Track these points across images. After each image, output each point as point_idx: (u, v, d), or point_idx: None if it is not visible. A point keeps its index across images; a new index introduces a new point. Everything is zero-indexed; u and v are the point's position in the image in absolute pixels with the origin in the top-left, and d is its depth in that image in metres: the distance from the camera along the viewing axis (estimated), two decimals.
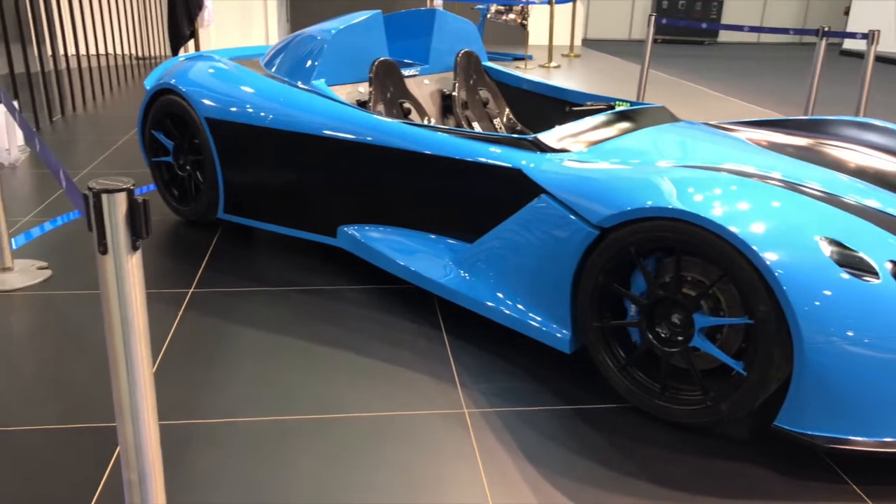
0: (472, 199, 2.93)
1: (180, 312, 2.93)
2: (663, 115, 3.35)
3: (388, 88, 3.69)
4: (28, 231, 3.74)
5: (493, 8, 11.73)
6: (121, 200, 1.10)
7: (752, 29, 5.94)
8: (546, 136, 2.85)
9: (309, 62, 3.57)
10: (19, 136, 5.18)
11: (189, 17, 5.29)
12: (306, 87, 3.47)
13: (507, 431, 2.25)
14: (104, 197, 1.10)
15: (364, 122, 3.17)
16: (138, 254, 1.12)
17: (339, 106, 3.29)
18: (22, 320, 2.85)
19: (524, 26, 11.70)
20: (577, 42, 13.40)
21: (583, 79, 10.25)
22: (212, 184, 3.64)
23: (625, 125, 3.10)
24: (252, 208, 3.61)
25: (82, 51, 7.27)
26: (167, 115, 3.79)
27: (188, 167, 3.80)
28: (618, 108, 3.55)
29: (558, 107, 4.15)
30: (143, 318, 1.16)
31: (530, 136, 2.84)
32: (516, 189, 2.72)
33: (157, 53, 10.04)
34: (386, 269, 3.10)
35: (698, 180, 2.28)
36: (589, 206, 2.37)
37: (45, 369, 2.50)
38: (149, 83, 4.06)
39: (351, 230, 3.29)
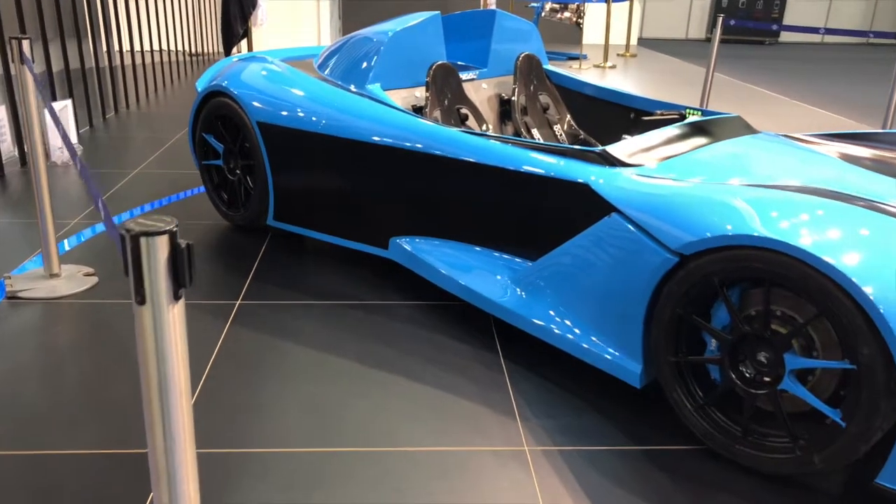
0: (533, 215, 2.75)
1: (226, 328, 2.81)
2: (739, 127, 3.11)
3: (446, 94, 3.53)
4: (78, 233, 3.69)
5: (548, 6, 11.48)
6: (162, 245, 0.94)
7: (828, 31, 5.61)
8: (615, 149, 2.65)
9: (364, 65, 3.42)
10: (72, 133, 5.18)
11: (242, 16, 5.22)
12: (361, 92, 3.33)
13: (571, 473, 2.07)
14: (143, 241, 0.94)
15: (420, 130, 3.02)
16: (181, 304, 0.98)
17: (394, 112, 3.14)
18: (66, 331, 2.77)
19: (579, 25, 11.44)
20: (633, 41, 13.05)
21: (640, 80, 9.94)
22: (262, 189, 3.53)
23: (699, 138, 2.88)
24: (302, 216, 3.49)
25: (137, 47, 7.29)
26: (218, 117, 3.70)
27: (238, 171, 3.70)
28: (690, 119, 3.33)
29: (622, 114, 3.93)
30: (184, 374, 1.02)
31: (598, 149, 2.65)
32: (583, 205, 2.54)
33: (211, 50, 10.08)
34: (439, 285, 2.94)
35: (790, 204, 2.06)
36: (667, 230, 2.17)
37: (87, 388, 2.41)
38: (200, 85, 3.98)
39: (403, 242, 3.14)
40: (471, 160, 2.86)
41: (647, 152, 2.68)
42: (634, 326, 2.28)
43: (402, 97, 3.53)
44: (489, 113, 3.90)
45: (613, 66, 10.90)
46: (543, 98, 3.98)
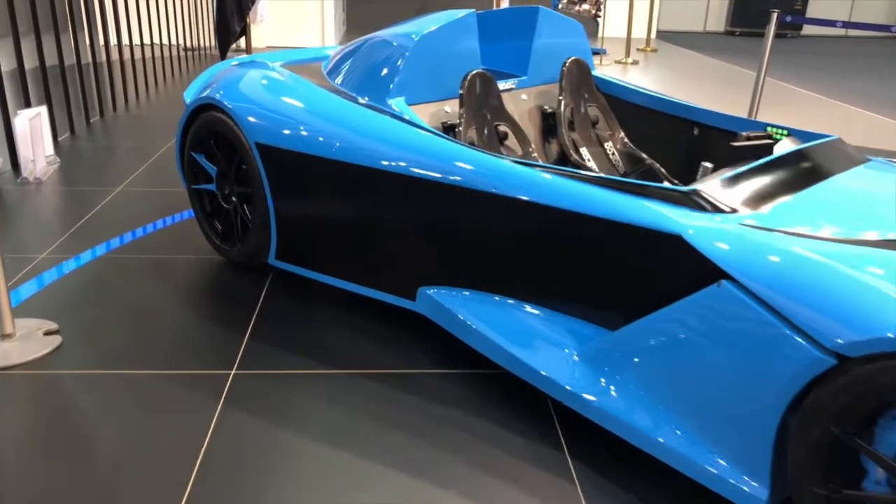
0: (608, 269, 2.17)
1: (218, 409, 2.24)
2: (844, 152, 2.52)
3: (483, 109, 2.94)
4: (41, 275, 3.10)
5: None
6: None
7: (848, 25, 5.03)
8: (709, 189, 2.06)
9: (385, 75, 2.83)
10: (48, 143, 4.59)
11: (240, 12, 4.61)
12: (381, 108, 2.74)
13: None
14: None
15: (457, 157, 2.43)
16: None
17: (423, 134, 2.56)
18: (16, 415, 2.19)
19: (597, 18, 10.81)
20: (652, 35, 12.41)
21: (666, 78, 9.33)
22: (262, 222, 2.95)
23: (806, 170, 2.29)
24: (311, 256, 2.91)
25: (125, 41, 6.68)
26: (210, 135, 3.11)
27: (234, 199, 3.12)
28: (785, 143, 2.74)
29: (683, 129, 3.35)
30: None
31: (687, 189, 2.07)
32: (676, 263, 1.96)
33: (207, 44, 9.46)
34: (480, 351, 2.37)
35: None
36: (817, 319, 1.58)
37: (36, 494, 1.84)
38: (189, 95, 3.39)
39: (435, 293, 2.56)
40: (523, 198, 2.27)
41: (749, 192, 2.09)
42: (762, 439, 1.70)
43: (430, 113, 2.94)
44: (530, 128, 3.31)
45: (636, 62, 10.28)
46: (592, 110, 3.39)
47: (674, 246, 1.97)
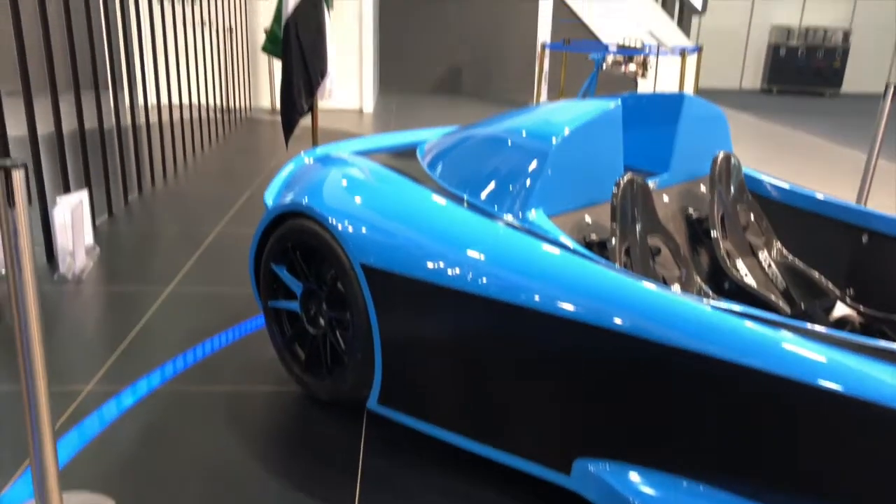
0: (845, 458, 1.61)
1: None
2: None
3: (635, 220, 2.41)
4: (89, 416, 2.54)
5: (611, 59, 10.46)
6: None
7: None
8: None
9: (517, 182, 2.31)
10: (88, 231, 4.09)
11: (309, 88, 4.13)
12: (516, 224, 2.22)
13: None
14: None
15: (626, 294, 1.89)
16: None
17: (581, 263, 2.02)
18: None
19: (641, 78, 10.41)
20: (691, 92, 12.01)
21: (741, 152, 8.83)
22: (365, 358, 2.40)
23: None
24: (428, 405, 2.34)
25: (164, 101, 6.24)
26: (297, 246, 2.59)
27: (323, 323, 2.58)
28: None
29: (849, 236, 2.82)
30: None
31: None
32: None
33: (244, 105, 9.08)
34: None
35: None
36: None
37: None
38: (270, 197, 2.88)
39: (598, 468, 1.99)
40: (728, 360, 1.72)
41: None
42: None
43: (571, 225, 2.40)
44: (675, 237, 2.77)
45: None
46: (744, 214, 2.86)
47: None
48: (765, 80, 15.56)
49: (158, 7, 6.18)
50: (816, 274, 2.80)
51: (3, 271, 3.58)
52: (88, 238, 4.07)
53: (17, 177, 1.64)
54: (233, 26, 8.51)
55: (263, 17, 9.33)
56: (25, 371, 1.75)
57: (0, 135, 3.54)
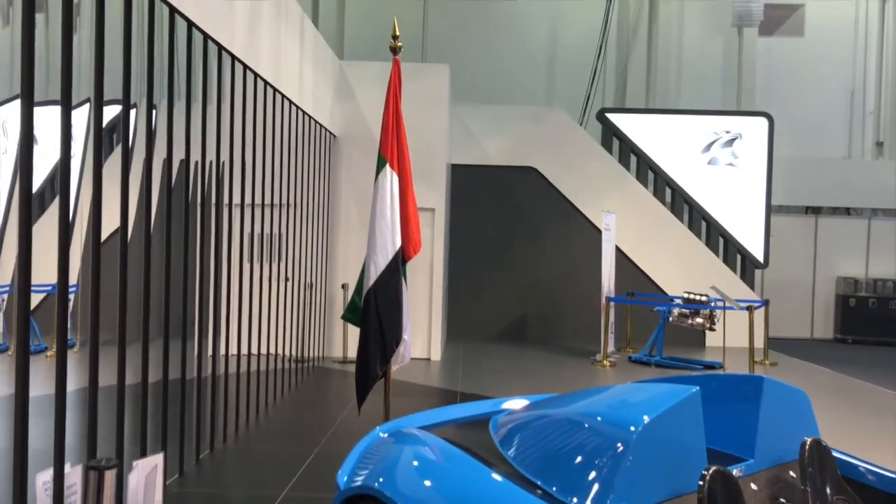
0: None
1: None
2: None
3: None
4: None
5: (676, 311, 10.57)
6: None
7: None
8: None
9: (596, 472, 2.25)
10: (158, 496, 4.07)
11: (384, 353, 4.30)
12: None
13: None
14: None
15: None
16: None
17: None
18: None
19: (710, 331, 10.39)
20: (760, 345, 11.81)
21: (823, 411, 8.49)
22: None
23: None
24: None
25: (236, 349, 6.44)
26: None
27: None
28: None
29: None
30: None
31: None
32: None
33: (316, 354, 9.36)
34: None
35: None
36: None
37: None
38: (343, 476, 2.87)
39: None
40: None
41: None
42: None
43: None
44: None
45: None
46: (837, 502, 2.67)
47: None
48: (837, 330, 15.29)
49: (248, 266, 6.69)
50: None
51: None
52: (159, 496, 4.04)
53: (109, 477, 1.69)
54: (313, 282, 9.07)
55: (342, 273, 9.93)
56: None
57: (92, 393, 3.73)
